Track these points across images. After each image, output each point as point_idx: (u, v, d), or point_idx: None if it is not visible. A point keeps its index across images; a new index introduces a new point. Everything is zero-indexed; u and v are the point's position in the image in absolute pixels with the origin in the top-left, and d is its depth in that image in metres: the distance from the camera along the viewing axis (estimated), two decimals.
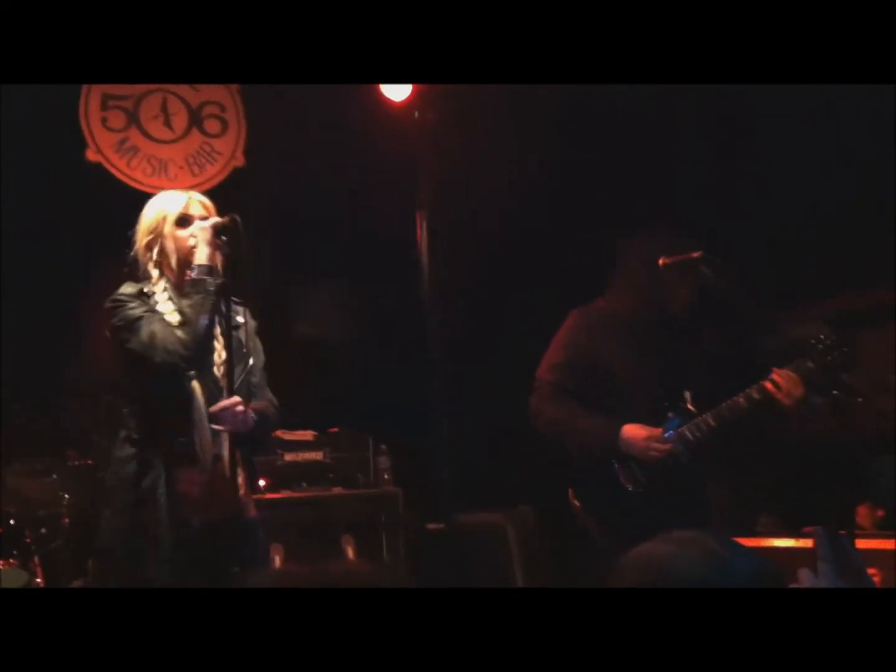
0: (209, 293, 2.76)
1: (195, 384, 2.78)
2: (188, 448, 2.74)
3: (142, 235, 2.88)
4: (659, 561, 1.28)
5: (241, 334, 2.95)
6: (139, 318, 2.77)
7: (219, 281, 2.79)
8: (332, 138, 5.17)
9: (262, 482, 4.34)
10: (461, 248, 5.29)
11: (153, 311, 2.80)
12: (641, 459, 3.40)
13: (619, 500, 3.43)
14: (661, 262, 3.44)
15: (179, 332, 2.73)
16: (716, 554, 1.26)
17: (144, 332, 2.75)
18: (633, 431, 3.41)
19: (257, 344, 3.03)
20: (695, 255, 3.41)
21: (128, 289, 2.84)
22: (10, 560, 3.93)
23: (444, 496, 4.79)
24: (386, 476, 4.77)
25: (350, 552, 4.35)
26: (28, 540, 4.03)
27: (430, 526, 4.67)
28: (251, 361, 2.95)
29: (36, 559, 4.00)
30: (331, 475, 4.70)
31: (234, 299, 2.95)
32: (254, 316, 3.06)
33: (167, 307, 2.81)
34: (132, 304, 2.80)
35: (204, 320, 2.74)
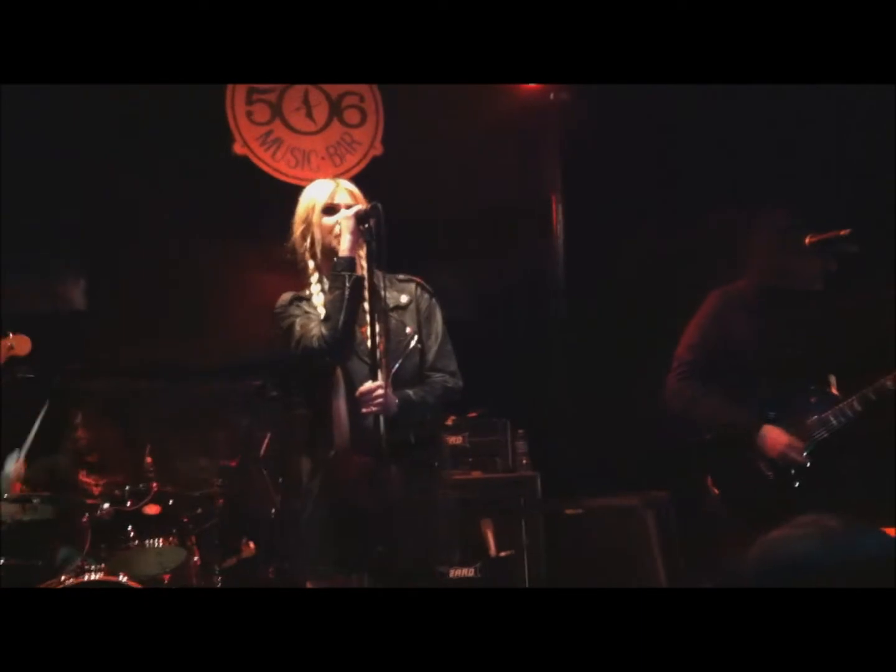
0: (346, 289, 2.83)
1: (339, 372, 2.86)
2: (330, 434, 2.83)
3: (296, 225, 3.01)
4: (779, 544, 1.27)
5: (406, 315, 2.97)
6: (291, 325, 2.93)
7: (355, 276, 2.85)
8: (467, 124, 5.19)
9: None
10: (597, 230, 5.26)
11: (306, 313, 2.93)
12: (778, 461, 3.33)
13: (758, 488, 3.36)
14: (807, 240, 3.38)
15: (322, 328, 2.83)
16: (836, 533, 1.24)
17: (295, 336, 2.90)
18: (774, 435, 3.34)
19: (432, 322, 3.01)
20: (843, 232, 3.35)
21: (284, 297, 3.00)
22: (171, 538, 4.15)
23: (582, 480, 4.80)
24: (524, 460, 4.79)
25: (490, 536, 4.40)
26: (185, 519, 4.23)
27: (569, 510, 4.67)
28: (413, 341, 2.95)
29: (193, 538, 4.21)
30: (469, 459, 4.75)
31: (400, 276, 3.03)
32: (426, 290, 3.05)
33: (320, 300, 2.93)
34: (286, 313, 2.96)
35: (341, 315, 2.82)
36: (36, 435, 4.16)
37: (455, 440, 4.76)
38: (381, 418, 2.80)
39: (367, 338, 2.87)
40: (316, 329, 2.84)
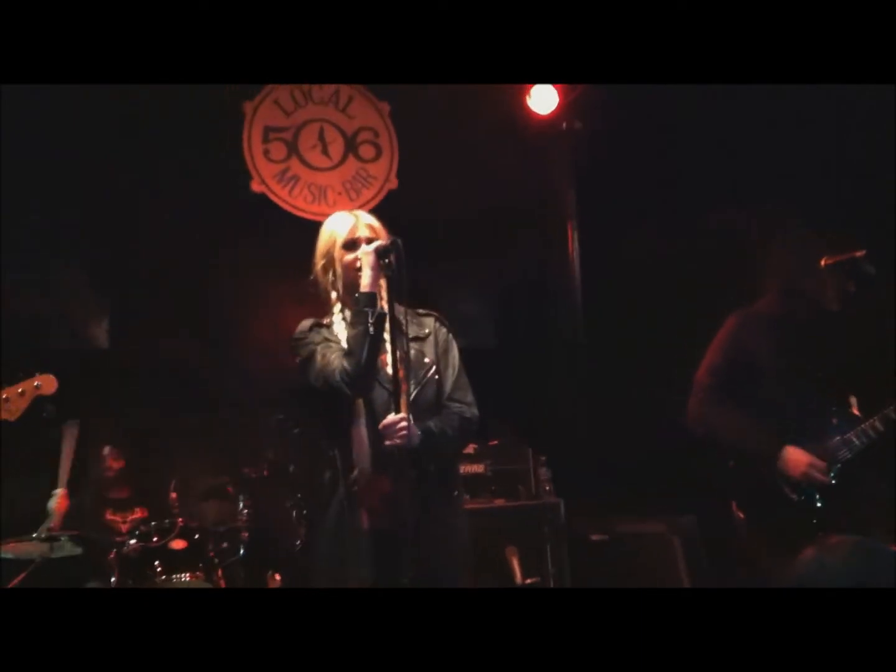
0: (368, 325, 2.84)
1: (359, 404, 2.89)
2: (366, 461, 2.85)
3: (318, 259, 3.02)
4: (807, 565, 1.28)
5: (426, 345, 3.00)
6: (312, 353, 2.93)
7: (378, 312, 2.87)
8: (479, 152, 5.25)
9: None
10: (614, 256, 5.28)
11: (326, 339, 2.94)
12: (801, 483, 3.32)
13: (782, 511, 3.35)
14: (822, 262, 3.38)
15: (344, 362, 2.84)
16: (861, 554, 1.24)
17: (316, 366, 2.90)
18: (795, 456, 3.34)
19: (449, 355, 3.04)
20: (858, 253, 3.35)
21: (304, 324, 3.00)
22: (197, 573, 4.17)
23: (607, 506, 4.78)
24: (547, 487, 4.79)
25: (515, 563, 4.39)
26: (211, 553, 4.25)
27: (594, 536, 4.66)
28: (432, 371, 2.97)
29: (219, 572, 4.22)
30: (493, 487, 4.75)
31: (420, 311, 3.06)
32: (443, 324, 3.08)
33: (341, 328, 2.95)
34: (306, 340, 2.96)
35: (363, 352, 2.83)
36: (72, 468, 4.20)
37: (477, 468, 4.76)
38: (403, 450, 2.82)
39: (386, 365, 2.89)
40: (337, 362, 2.86)
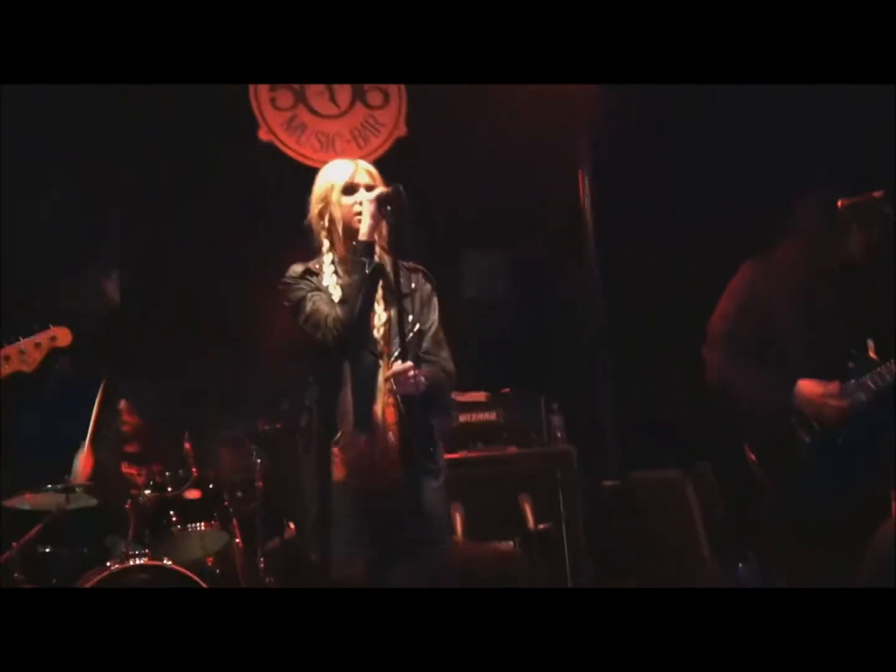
0: (365, 276, 2.82)
1: (345, 365, 2.86)
2: (341, 417, 2.85)
3: (314, 204, 2.97)
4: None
5: (409, 302, 2.97)
6: (303, 299, 2.89)
7: (376, 263, 2.85)
8: (490, 100, 5.18)
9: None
10: (625, 203, 5.24)
11: (317, 288, 2.90)
12: (818, 417, 3.30)
13: (795, 452, 3.34)
14: (839, 203, 3.34)
15: (337, 310, 2.82)
16: None
17: (306, 312, 2.86)
18: (808, 388, 3.31)
19: (430, 310, 3.02)
20: (876, 194, 3.30)
21: (295, 269, 2.95)
22: (212, 522, 4.20)
23: (618, 453, 4.80)
24: (559, 434, 4.80)
25: (528, 510, 4.41)
26: (226, 503, 4.28)
27: (606, 482, 4.68)
28: (416, 327, 2.95)
29: (234, 521, 4.26)
30: (505, 435, 4.76)
31: (405, 264, 3.00)
32: (429, 280, 3.06)
33: (332, 280, 2.91)
34: (297, 286, 2.92)
35: (358, 301, 2.81)
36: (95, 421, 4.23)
37: (489, 416, 4.77)
38: (400, 400, 2.82)
39: (373, 326, 2.88)
40: (328, 309, 2.83)
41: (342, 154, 5.45)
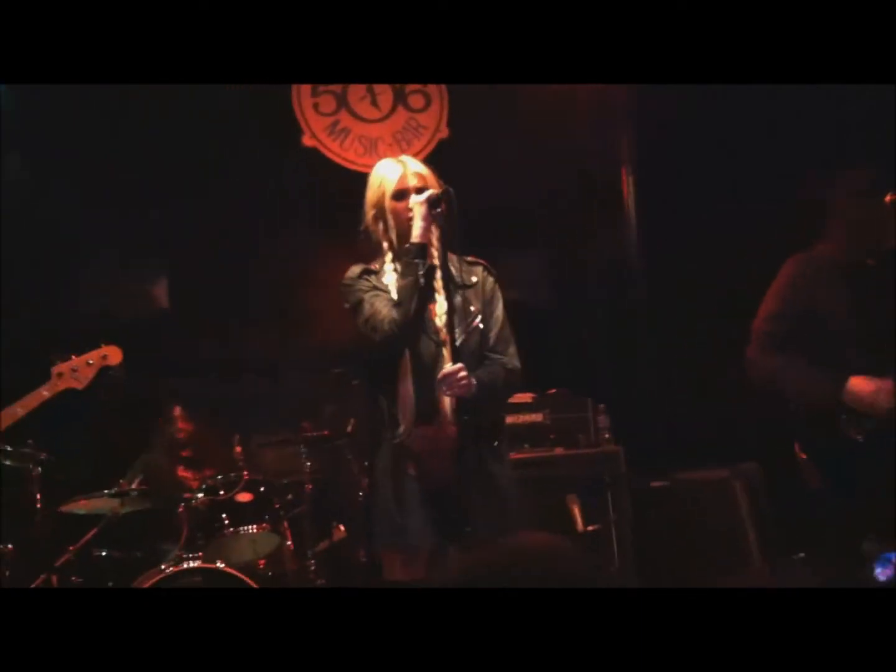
0: (418, 276, 2.84)
1: (406, 358, 2.90)
2: (403, 410, 2.87)
3: (368, 210, 3.01)
4: None
5: (470, 293, 2.99)
6: (361, 301, 2.93)
7: (429, 264, 2.87)
8: (532, 100, 5.18)
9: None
10: (669, 202, 5.21)
11: (375, 287, 2.94)
12: (870, 413, 3.26)
13: (847, 452, 3.31)
14: (888, 198, 3.31)
15: (394, 312, 2.85)
16: None
17: (364, 315, 2.91)
18: (860, 385, 3.27)
19: (495, 306, 3.03)
20: None
21: (353, 271, 3.00)
22: (263, 524, 4.25)
23: (666, 454, 4.77)
24: (606, 435, 4.79)
25: (576, 511, 4.41)
26: (277, 505, 4.33)
27: (655, 483, 4.66)
28: (478, 320, 2.96)
29: (285, 523, 4.30)
30: (552, 436, 4.76)
31: (468, 259, 3.05)
32: (491, 273, 3.06)
33: (391, 279, 2.94)
34: (355, 287, 2.96)
35: (412, 303, 2.84)
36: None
37: (536, 417, 4.77)
38: (454, 400, 2.85)
39: (434, 315, 2.90)
40: (386, 311, 2.86)
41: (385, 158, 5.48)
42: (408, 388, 2.88)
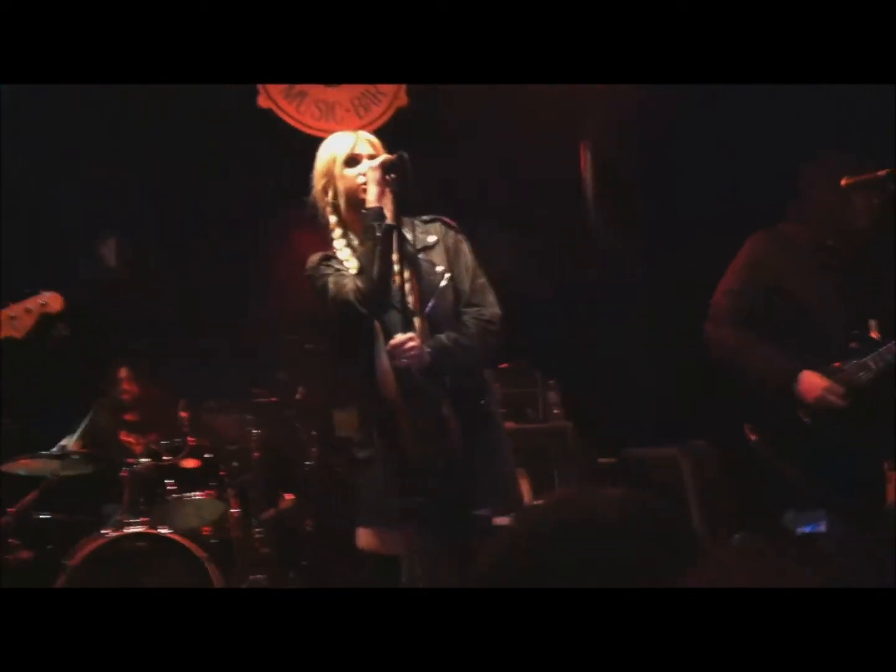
0: (378, 240, 2.79)
1: (377, 324, 2.86)
2: (382, 383, 2.83)
3: (317, 179, 2.94)
4: None
5: (434, 253, 2.92)
6: (325, 285, 2.87)
7: (385, 225, 2.81)
8: None
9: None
10: (628, 177, 5.22)
11: (337, 270, 2.88)
12: (815, 407, 3.31)
13: (796, 432, 3.36)
14: (843, 181, 3.33)
15: (357, 281, 2.80)
16: None
17: (330, 294, 2.85)
18: (811, 380, 3.31)
19: (461, 258, 2.95)
20: (881, 173, 3.30)
21: (312, 259, 2.93)
22: (209, 491, 4.20)
23: (615, 430, 4.80)
24: (556, 410, 4.80)
25: (524, 485, 4.42)
26: (223, 472, 4.28)
27: (602, 460, 4.69)
28: (445, 281, 2.88)
29: (230, 491, 4.26)
30: (502, 410, 4.75)
31: (424, 217, 2.98)
32: (451, 227, 2.98)
33: (346, 254, 2.89)
34: (318, 274, 2.90)
35: (376, 267, 2.78)
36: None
37: None
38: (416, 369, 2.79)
39: (396, 284, 2.84)
40: (350, 283, 2.81)
41: (342, 123, 5.40)
42: (383, 360, 2.83)
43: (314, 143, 3.07)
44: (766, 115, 4.65)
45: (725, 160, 4.85)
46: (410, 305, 2.82)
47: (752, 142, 4.73)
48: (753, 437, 3.47)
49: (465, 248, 2.97)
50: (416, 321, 2.80)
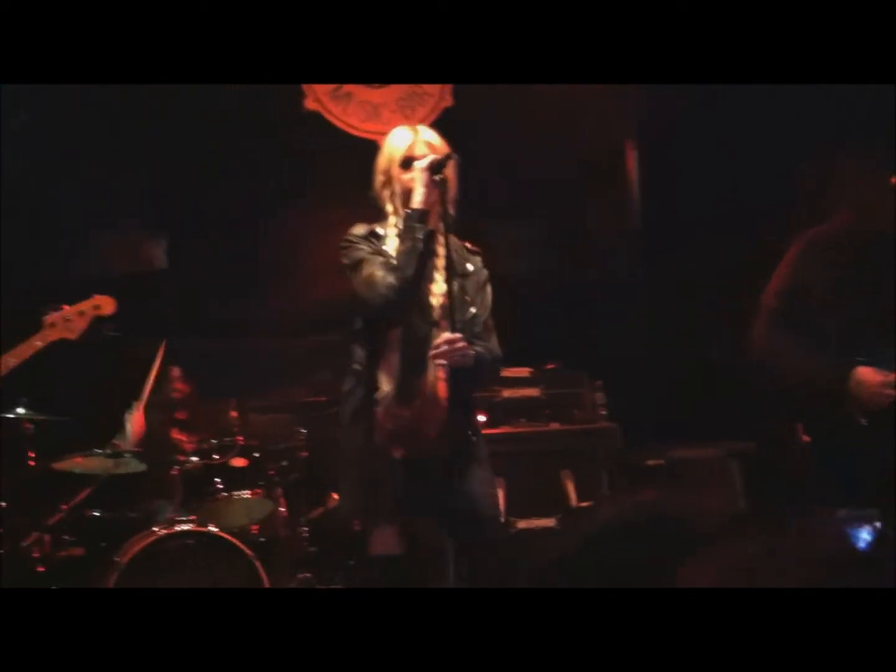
0: (417, 241, 2.82)
1: (397, 331, 2.87)
2: (385, 380, 2.85)
3: (378, 175, 2.98)
4: None
5: (468, 283, 2.98)
6: (361, 260, 2.89)
7: (427, 230, 2.84)
8: None
9: (481, 417, 4.44)
10: (672, 176, 5.18)
11: (378, 251, 2.90)
12: (871, 403, 3.27)
13: (850, 434, 3.31)
14: (893, 180, 3.29)
15: (391, 276, 2.82)
16: None
17: (363, 274, 2.86)
18: (866, 375, 3.27)
19: (485, 295, 3.04)
20: None
21: (358, 230, 2.96)
22: (257, 490, 4.24)
23: (661, 431, 4.77)
24: (602, 411, 4.78)
25: (570, 487, 4.41)
26: (271, 471, 4.31)
27: (650, 461, 4.66)
28: (472, 310, 2.96)
29: (279, 490, 4.30)
30: (547, 411, 4.75)
31: (468, 246, 3.04)
32: (487, 266, 3.07)
33: (393, 244, 2.90)
34: (359, 245, 2.92)
35: (410, 268, 2.81)
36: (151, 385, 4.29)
37: (532, 392, 4.76)
38: (447, 372, 2.81)
39: (431, 296, 2.88)
40: (382, 273, 2.82)
41: (388, 124, 5.41)
42: (394, 358, 2.85)
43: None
44: (766, 115, 4.61)
45: (725, 160, 4.82)
46: (435, 315, 2.87)
47: (752, 142, 4.70)
48: (806, 439, 3.44)
49: (489, 289, 3.06)
50: (435, 331, 2.84)
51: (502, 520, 3.21)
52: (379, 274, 2.83)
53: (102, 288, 3.63)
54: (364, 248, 2.91)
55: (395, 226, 2.93)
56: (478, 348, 2.90)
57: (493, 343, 3.03)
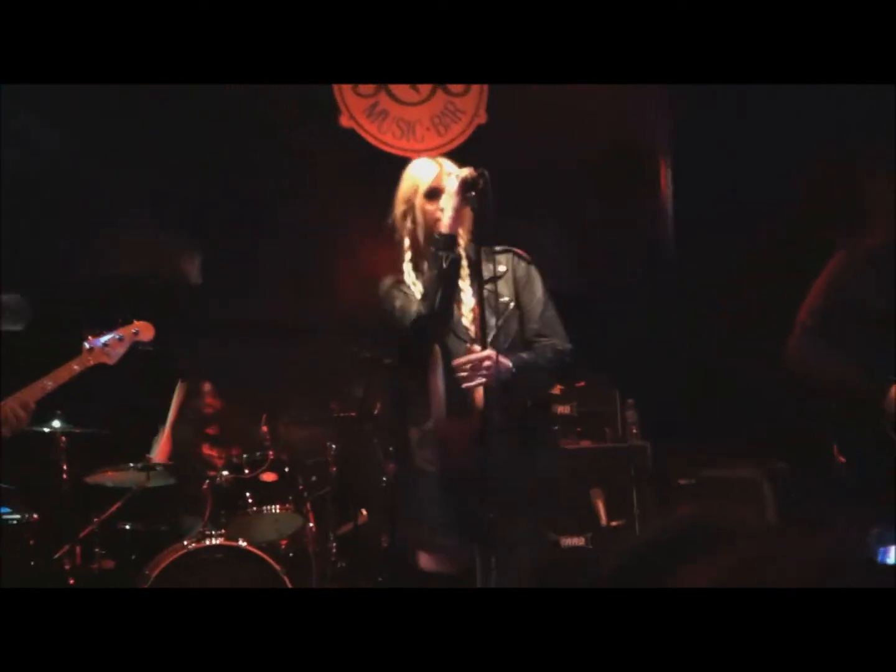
0: (443, 270, 2.81)
1: (437, 354, 2.87)
2: (432, 403, 2.85)
3: (397, 204, 2.96)
4: None
5: (501, 284, 2.91)
6: (392, 308, 2.91)
7: (452, 257, 2.83)
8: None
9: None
10: (708, 190, 5.14)
11: (404, 294, 2.92)
12: None
13: (885, 454, 3.25)
14: None
15: (420, 306, 2.83)
16: None
17: (396, 316, 2.89)
18: None
19: (530, 289, 2.96)
20: None
21: (386, 282, 2.97)
22: (287, 505, 4.26)
23: (694, 451, 4.72)
24: (634, 430, 4.75)
25: (600, 505, 4.38)
26: (301, 486, 4.33)
27: (682, 481, 4.61)
28: (509, 309, 2.91)
29: (308, 505, 4.31)
30: (578, 429, 4.73)
31: (497, 248, 2.98)
32: (523, 258, 3.00)
33: (412, 278, 2.92)
34: (387, 297, 2.94)
35: (437, 294, 2.81)
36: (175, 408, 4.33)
37: (563, 409, 4.73)
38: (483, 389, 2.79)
39: (462, 314, 2.88)
40: (413, 308, 2.85)
41: (423, 141, 5.46)
42: (437, 383, 2.86)
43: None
44: (766, 115, 4.56)
45: (725, 160, 4.77)
46: (472, 334, 2.85)
47: (752, 142, 4.64)
48: (842, 460, 3.38)
49: (537, 278, 2.99)
50: (476, 348, 2.82)
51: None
52: (410, 308, 2.85)
53: (135, 297, 3.65)
54: (394, 296, 2.92)
55: (409, 260, 2.94)
56: (523, 355, 2.87)
57: (558, 336, 2.96)
